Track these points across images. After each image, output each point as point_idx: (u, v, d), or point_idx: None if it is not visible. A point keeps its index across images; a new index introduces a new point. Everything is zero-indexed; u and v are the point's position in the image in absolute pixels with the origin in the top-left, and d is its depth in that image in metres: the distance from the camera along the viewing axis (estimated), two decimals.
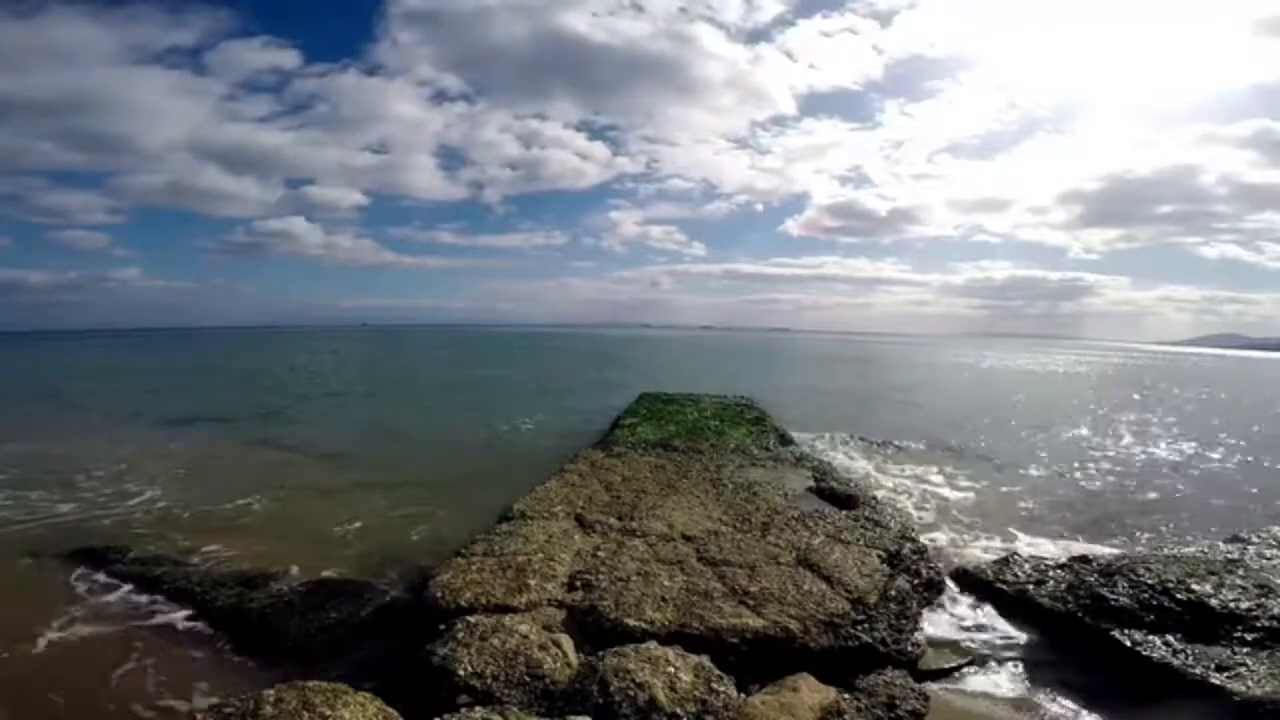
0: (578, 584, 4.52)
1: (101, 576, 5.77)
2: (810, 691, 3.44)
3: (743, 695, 3.39)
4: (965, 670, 4.24)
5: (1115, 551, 6.06)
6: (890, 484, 9.45)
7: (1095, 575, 4.83)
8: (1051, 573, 5.05)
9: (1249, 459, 12.45)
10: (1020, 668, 4.27)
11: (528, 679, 3.38)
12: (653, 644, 3.64)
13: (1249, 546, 5.44)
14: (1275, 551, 5.34)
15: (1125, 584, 4.63)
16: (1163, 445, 13.86)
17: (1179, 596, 4.45)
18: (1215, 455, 12.83)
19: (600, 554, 5.07)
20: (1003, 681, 4.15)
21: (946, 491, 9.16)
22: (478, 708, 3.04)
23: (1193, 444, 14.02)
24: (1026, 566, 5.18)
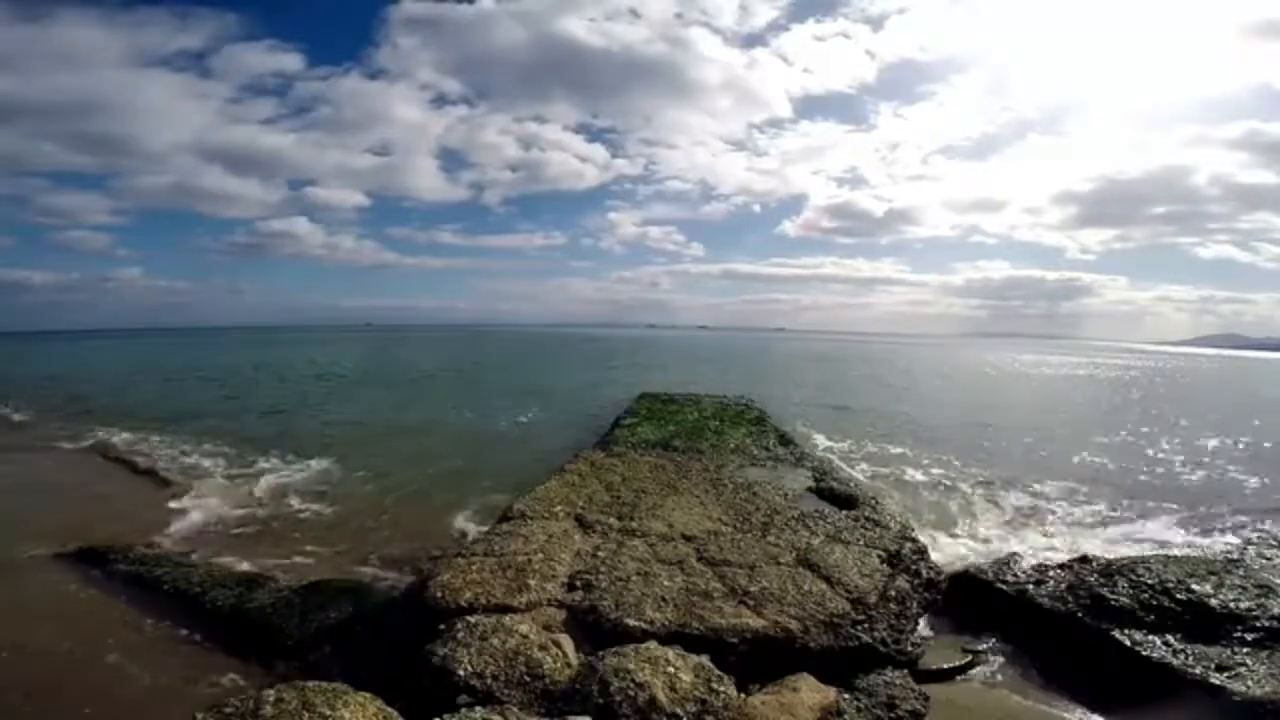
0: (578, 584, 4.52)
1: (101, 576, 5.77)
2: (810, 691, 3.44)
3: (743, 695, 3.39)
4: (965, 670, 4.25)
5: (1115, 551, 6.06)
6: (881, 484, 9.46)
7: (1095, 575, 4.83)
8: (1051, 573, 5.05)
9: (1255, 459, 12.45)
10: (1020, 668, 4.27)
11: (528, 679, 3.38)
12: (653, 644, 3.63)
13: (1249, 546, 5.45)
14: (1275, 551, 5.34)
15: (1125, 584, 4.63)
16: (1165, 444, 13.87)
17: (1179, 596, 4.45)
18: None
19: (600, 554, 5.07)
20: (1002, 681, 4.15)
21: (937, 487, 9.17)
22: (478, 708, 3.04)
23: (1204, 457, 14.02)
24: (1026, 566, 5.18)
